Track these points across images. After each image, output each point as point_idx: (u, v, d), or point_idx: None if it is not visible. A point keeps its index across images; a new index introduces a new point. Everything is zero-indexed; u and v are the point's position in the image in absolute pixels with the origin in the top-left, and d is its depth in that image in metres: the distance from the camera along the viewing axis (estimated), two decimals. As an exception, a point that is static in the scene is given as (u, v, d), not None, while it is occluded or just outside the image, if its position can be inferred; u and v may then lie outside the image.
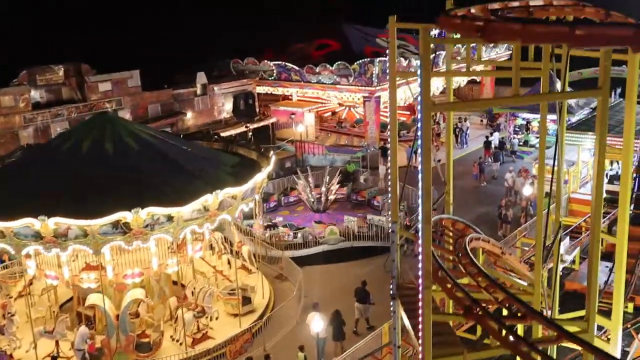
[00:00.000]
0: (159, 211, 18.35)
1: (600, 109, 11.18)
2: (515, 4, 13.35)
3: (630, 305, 21.90)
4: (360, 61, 38.62)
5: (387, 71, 38.56)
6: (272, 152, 23.44)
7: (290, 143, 41.11)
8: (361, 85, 39.10)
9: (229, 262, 24.30)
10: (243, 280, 23.88)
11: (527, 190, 28.87)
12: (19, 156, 23.67)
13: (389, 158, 34.51)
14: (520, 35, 8.99)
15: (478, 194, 34.91)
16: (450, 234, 15.43)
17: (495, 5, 12.73)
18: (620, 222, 12.82)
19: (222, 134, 38.82)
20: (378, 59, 38.44)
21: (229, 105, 40.62)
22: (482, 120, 49.18)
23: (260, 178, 21.43)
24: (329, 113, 45.40)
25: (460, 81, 47.60)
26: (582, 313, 12.82)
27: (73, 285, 20.85)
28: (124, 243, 18.49)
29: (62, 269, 20.18)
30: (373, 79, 38.50)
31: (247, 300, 22.20)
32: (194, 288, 22.17)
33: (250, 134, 38.78)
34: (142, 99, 36.48)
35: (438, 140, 43.85)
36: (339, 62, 39.30)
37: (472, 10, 12.10)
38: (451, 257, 14.10)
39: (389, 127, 15.26)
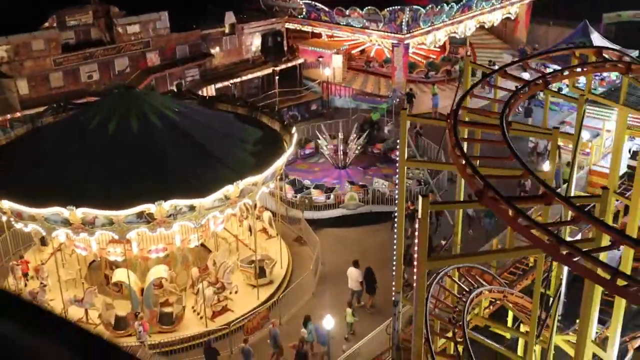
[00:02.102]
0: (182, 203, 19.12)
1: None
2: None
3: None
4: (391, 8, 37.93)
5: (418, 20, 38.14)
6: (294, 129, 23.72)
7: (318, 84, 41.12)
8: (390, 32, 38.56)
9: (250, 229, 25.16)
10: (262, 245, 24.89)
11: (546, 166, 28.94)
12: (49, 120, 24.38)
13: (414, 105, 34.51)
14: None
15: (500, 150, 34.94)
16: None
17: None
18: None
19: (249, 75, 39.08)
20: (408, 8, 37.71)
21: (257, 44, 40.45)
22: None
23: (280, 162, 21.93)
24: (358, 50, 44.96)
25: (494, 19, 46.54)
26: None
27: (100, 257, 22.02)
28: (148, 230, 19.40)
29: (90, 241, 21.26)
30: (403, 26, 37.93)
31: (263, 273, 23.17)
32: (215, 259, 23.27)
33: (277, 77, 38.76)
34: (170, 40, 36.51)
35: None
36: (369, 7, 38.64)
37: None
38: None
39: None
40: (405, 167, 16.05)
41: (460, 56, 46.52)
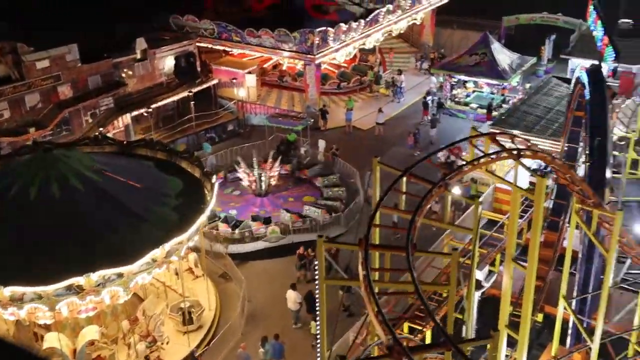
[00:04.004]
0: (110, 272, 19.65)
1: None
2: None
3: (540, 316, 24.49)
4: (301, 30, 38.80)
5: (328, 39, 39.20)
6: (214, 178, 24.45)
7: (233, 104, 41.72)
8: (302, 52, 39.49)
9: (176, 273, 25.81)
10: (189, 286, 25.63)
11: (456, 190, 30.61)
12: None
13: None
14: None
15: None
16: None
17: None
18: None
19: (164, 100, 39.24)
20: (318, 30, 38.69)
21: (170, 66, 40.57)
22: (416, 65, 50.16)
23: (204, 218, 22.66)
24: (270, 63, 45.67)
25: (401, 27, 48.12)
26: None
27: (29, 321, 22.27)
28: (77, 299, 19.84)
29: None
30: (313, 47, 38.89)
31: (191, 320, 23.93)
32: (145, 309, 23.88)
33: (192, 102, 39.15)
34: (81, 72, 36.23)
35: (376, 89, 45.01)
36: (280, 29, 39.41)
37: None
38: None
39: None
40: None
41: (371, 65, 48.01)
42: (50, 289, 19.08)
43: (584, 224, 17.01)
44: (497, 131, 18.99)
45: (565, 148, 25.40)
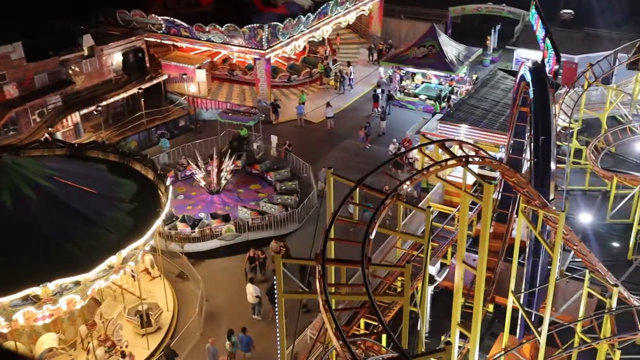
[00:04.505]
0: (67, 280, 19.64)
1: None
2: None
3: (491, 306, 25.33)
4: (250, 26, 38.82)
5: (277, 34, 39.36)
6: (168, 180, 24.53)
7: (184, 99, 41.59)
8: (251, 47, 39.53)
9: (132, 275, 25.86)
10: (146, 288, 25.73)
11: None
12: None
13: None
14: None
15: (363, 158, 37.02)
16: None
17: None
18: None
19: (114, 98, 38.83)
20: (267, 25, 38.78)
21: (118, 62, 40.13)
22: (370, 57, 50.64)
23: (159, 222, 22.75)
24: (219, 57, 45.52)
25: (349, 19, 48.49)
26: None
27: (-15, 330, 22.08)
28: (34, 309, 19.80)
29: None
30: (263, 42, 38.97)
31: (149, 322, 24.05)
32: (102, 313, 23.93)
33: (142, 99, 38.88)
34: (27, 70, 35.62)
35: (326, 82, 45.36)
36: (229, 25, 39.35)
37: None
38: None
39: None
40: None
41: (320, 56, 48.29)
42: (5, 300, 18.99)
43: (530, 223, 17.75)
44: (446, 138, 19.53)
45: (512, 142, 26.23)
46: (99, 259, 20.33)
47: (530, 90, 21.48)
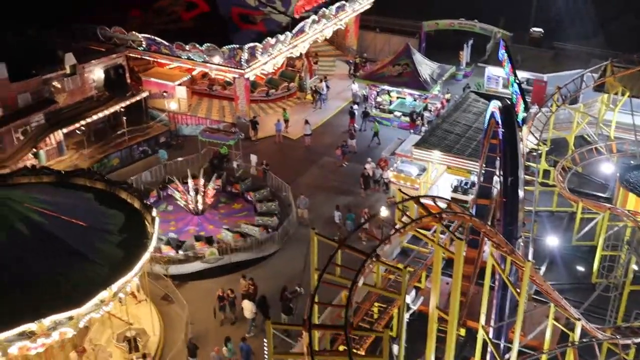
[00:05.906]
0: (61, 316, 20.59)
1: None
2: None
3: (463, 330, 26.56)
4: (230, 46, 39.75)
5: (256, 54, 40.27)
6: (154, 211, 25.48)
7: (165, 115, 42.38)
8: (231, 67, 40.45)
9: (120, 300, 26.75)
10: (133, 312, 26.69)
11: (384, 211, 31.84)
12: None
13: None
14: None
15: (339, 176, 38.29)
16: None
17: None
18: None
19: (96, 115, 39.46)
20: (246, 45, 39.75)
21: (100, 79, 40.78)
22: (350, 71, 51.59)
23: (148, 255, 23.73)
24: (198, 71, 46.27)
25: (326, 34, 49.45)
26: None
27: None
28: (29, 343, 20.72)
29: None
30: (242, 62, 39.92)
31: (137, 347, 25.06)
32: (91, 339, 24.89)
33: (124, 117, 39.63)
34: (10, 90, 36.21)
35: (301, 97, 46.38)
36: (208, 45, 40.23)
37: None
38: None
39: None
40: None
41: (297, 70, 49.25)
42: (1, 337, 19.88)
43: (499, 266, 19.07)
44: (421, 195, 20.76)
45: (483, 172, 27.55)
46: (91, 294, 21.28)
47: (500, 131, 22.78)
